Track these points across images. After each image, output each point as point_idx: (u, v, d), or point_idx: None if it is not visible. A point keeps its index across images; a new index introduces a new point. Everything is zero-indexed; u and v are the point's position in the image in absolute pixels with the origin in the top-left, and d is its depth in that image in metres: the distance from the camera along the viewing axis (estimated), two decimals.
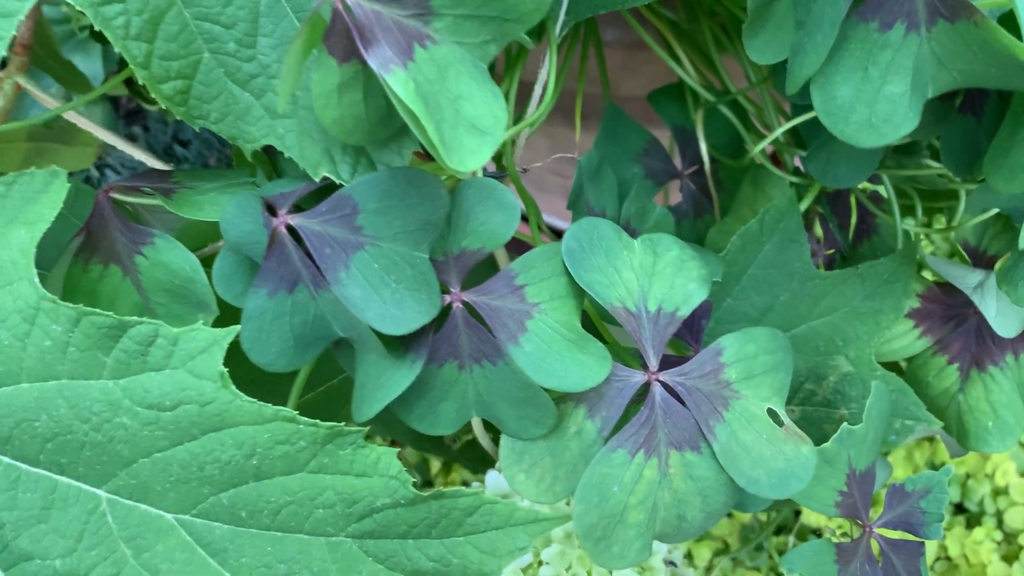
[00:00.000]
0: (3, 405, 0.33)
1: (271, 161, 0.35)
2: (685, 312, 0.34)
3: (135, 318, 0.32)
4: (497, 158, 0.42)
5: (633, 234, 0.43)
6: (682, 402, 0.33)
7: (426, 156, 0.36)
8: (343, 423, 0.32)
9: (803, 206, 0.46)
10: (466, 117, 0.27)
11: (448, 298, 0.32)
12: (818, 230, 0.49)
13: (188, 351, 0.32)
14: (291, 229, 0.30)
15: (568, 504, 0.47)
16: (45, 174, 0.34)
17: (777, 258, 0.45)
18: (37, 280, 0.33)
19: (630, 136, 0.49)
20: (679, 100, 0.50)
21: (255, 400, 0.32)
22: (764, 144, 0.44)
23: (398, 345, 0.31)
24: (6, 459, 0.34)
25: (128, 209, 0.38)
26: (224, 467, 0.33)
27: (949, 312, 0.47)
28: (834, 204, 0.50)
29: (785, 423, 0.34)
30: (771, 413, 0.34)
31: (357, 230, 0.30)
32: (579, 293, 0.33)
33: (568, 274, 0.33)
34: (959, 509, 1.05)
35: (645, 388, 0.33)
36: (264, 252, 0.32)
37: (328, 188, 0.32)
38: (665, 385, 0.33)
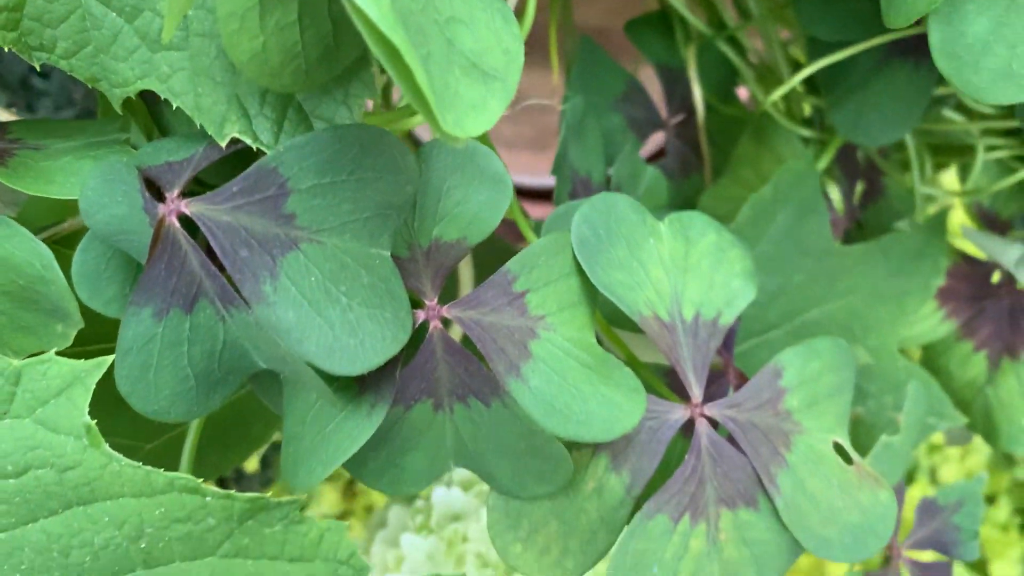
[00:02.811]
0: None
1: (151, 112, 0.25)
2: (729, 319, 0.26)
3: None
4: None
5: None
6: (735, 444, 0.24)
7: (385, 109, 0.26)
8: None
9: (820, 167, 0.38)
10: (463, 52, 0.17)
11: (422, 315, 0.22)
12: (832, 194, 0.41)
13: (36, 393, 0.22)
14: (186, 220, 0.20)
15: None
16: None
17: (792, 231, 0.37)
18: None
19: (607, 77, 0.40)
20: (664, 33, 0.41)
21: (138, 464, 0.22)
22: (782, 91, 0.36)
23: (350, 381, 0.22)
24: None
25: None
26: (98, 553, 0.23)
27: (978, 291, 0.40)
28: (842, 163, 0.42)
29: (854, 460, 0.26)
30: (837, 448, 0.26)
31: (287, 220, 0.21)
32: (592, 297, 0.24)
33: (580, 273, 0.24)
34: None
35: (686, 427, 0.24)
36: (145, 250, 0.22)
37: (241, 155, 0.22)
38: (712, 422, 0.24)
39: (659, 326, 0.24)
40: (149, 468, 0.22)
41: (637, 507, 0.24)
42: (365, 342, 0.21)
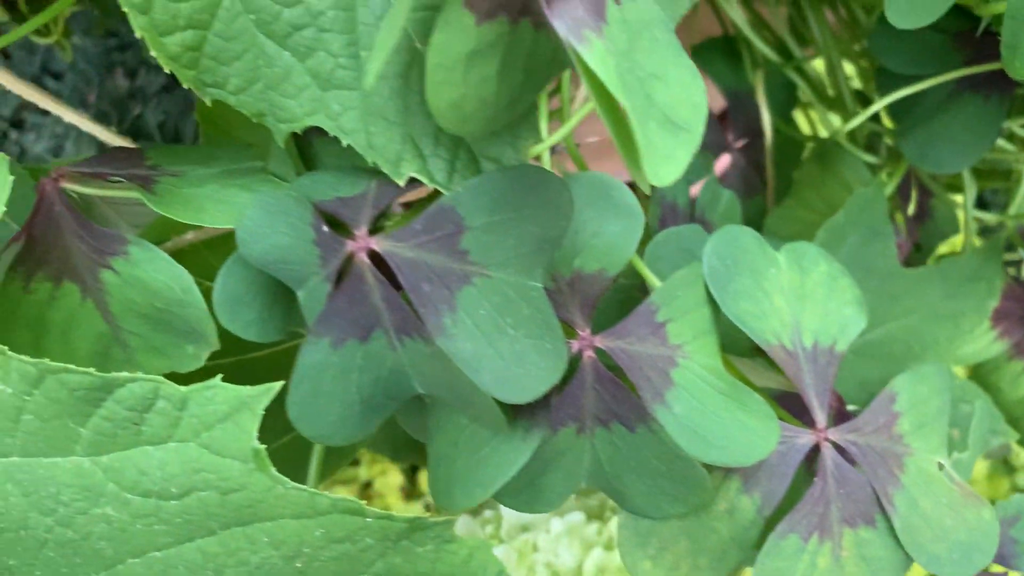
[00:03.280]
0: None
1: (299, 145, 0.26)
2: (843, 346, 0.27)
3: (125, 374, 0.22)
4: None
5: (707, 227, 0.35)
6: (856, 466, 0.26)
7: None
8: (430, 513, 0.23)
9: (887, 192, 0.39)
10: (658, 105, 0.18)
11: (576, 345, 0.23)
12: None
13: (202, 418, 0.23)
14: (373, 255, 0.21)
15: None
16: None
17: (860, 253, 0.38)
18: None
19: None
20: (730, 57, 0.42)
21: (303, 487, 0.23)
22: (859, 121, 0.37)
23: (504, 407, 0.23)
24: None
25: (76, 200, 0.27)
26: (253, 572, 0.24)
27: None
28: (900, 186, 0.44)
29: (956, 479, 0.28)
30: (940, 468, 0.28)
31: (461, 256, 0.22)
32: (718, 326, 0.26)
33: (710, 303, 0.25)
34: None
35: (812, 451, 0.25)
36: (304, 278, 0.23)
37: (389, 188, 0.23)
38: (836, 446, 0.25)
39: (784, 354, 0.26)
40: (314, 491, 0.23)
41: (767, 527, 0.25)
42: (531, 371, 0.22)
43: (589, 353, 0.23)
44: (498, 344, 0.21)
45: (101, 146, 0.37)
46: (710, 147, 0.41)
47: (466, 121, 0.20)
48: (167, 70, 0.21)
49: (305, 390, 0.22)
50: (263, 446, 0.22)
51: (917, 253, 0.43)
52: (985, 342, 0.42)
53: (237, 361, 0.34)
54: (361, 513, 0.23)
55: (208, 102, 0.23)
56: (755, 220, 0.43)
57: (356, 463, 0.87)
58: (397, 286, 0.21)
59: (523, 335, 0.22)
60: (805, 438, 0.25)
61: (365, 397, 0.23)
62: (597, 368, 0.23)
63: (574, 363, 0.23)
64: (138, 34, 0.21)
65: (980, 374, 0.43)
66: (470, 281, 0.21)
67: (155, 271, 0.26)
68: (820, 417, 0.25)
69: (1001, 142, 0.43)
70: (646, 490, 0.25)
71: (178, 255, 0.28)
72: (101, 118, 0.99)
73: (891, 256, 0.39)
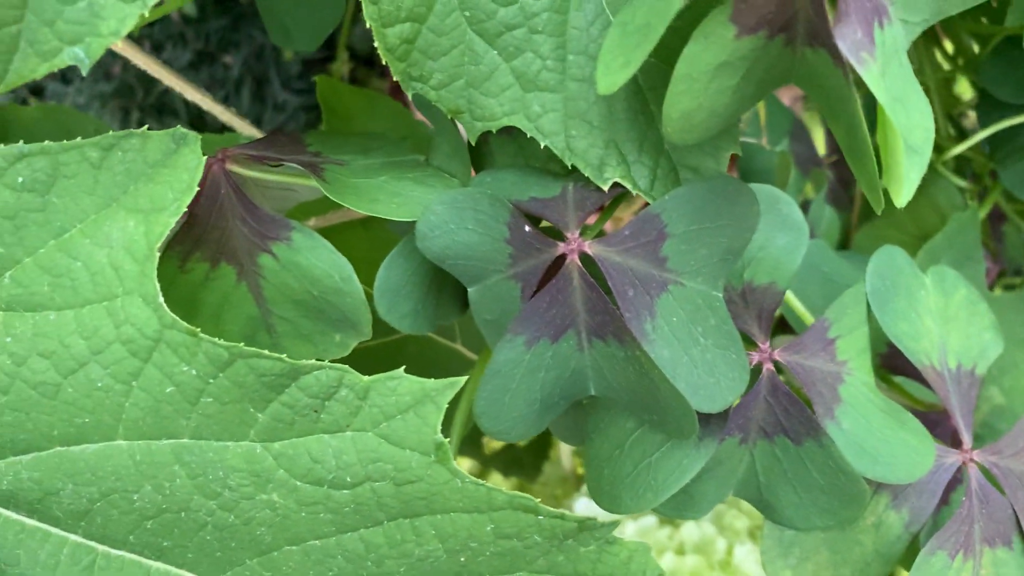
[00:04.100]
0: (85, 468, 0.23)
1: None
2: (982, 369, 0.28)
3: (313, 362, 0.22)
4: None
5: None
6: (998, 487, 0.26)
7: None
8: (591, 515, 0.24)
9: (980, 216, 0.40)
10: (898, 130, 0.19)
11: (756, 356, 0.24)
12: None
13: (384, 408, 0.23)
14: (583, 258, 0.21)
15: None
16: (165, 137, 0.23)
17: None
18: (160, 298, 0.22)
19: (777, 115, 0.41)
20: None
21: (481, 482, 0.23)
22: (959, 150, 0.38)
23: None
24: (75, 537, 0.24)
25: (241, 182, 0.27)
26: (416, 563, 0.24)
27: None
28: (990, 214, 0.44)
29: None
30: None
31: (661, 263, 0.22)
32: (870, 343, 0.26)
33: (869, 321, 0.26)
34: None
35: (958, 471, 0.26)
36: (485, 274, 0.23)
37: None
38: (980, 466, 0.26)
39: (934, 374, 0.26)
40: (491, 486, 0.23)
41: (912, 542, 0.26)
42: (721, 381, 0.22)
43: (769, 366, 0.24)
44: (691, 352, 0.22)
45: None
46: (802, 160, 0.42)
47: (691, 131, 0.20)
48: (383, 62, 0.21)
49: (495, 385, 0.22)
50: (446, 439, 0.23)
51: (1000, 279, 0.44)
52: None
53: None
54: (535, 511, 0.23)
55: (409, 95, 0.23)
56: (842, 236, 0.43)
57: None
58: (599, 290, 0.21)
59: (712, 344, 0.22)
60: (952, 457, 0.26)
61: (545, 396, 0.23)
62: (774, 381, 0.24)
63: (753, 374, 0.24)
64: (368, 23, 0.21)
65: None
66: (667, 288, 0.22)
67: (316, 258, 0.26)
68: (967, 438, 0.26)
69: None
70: (799, 502, 0.25)
71: None
72: (126, 92, 0.98)
73: (981, 280, 0.39)
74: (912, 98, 0.19)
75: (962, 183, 0.42)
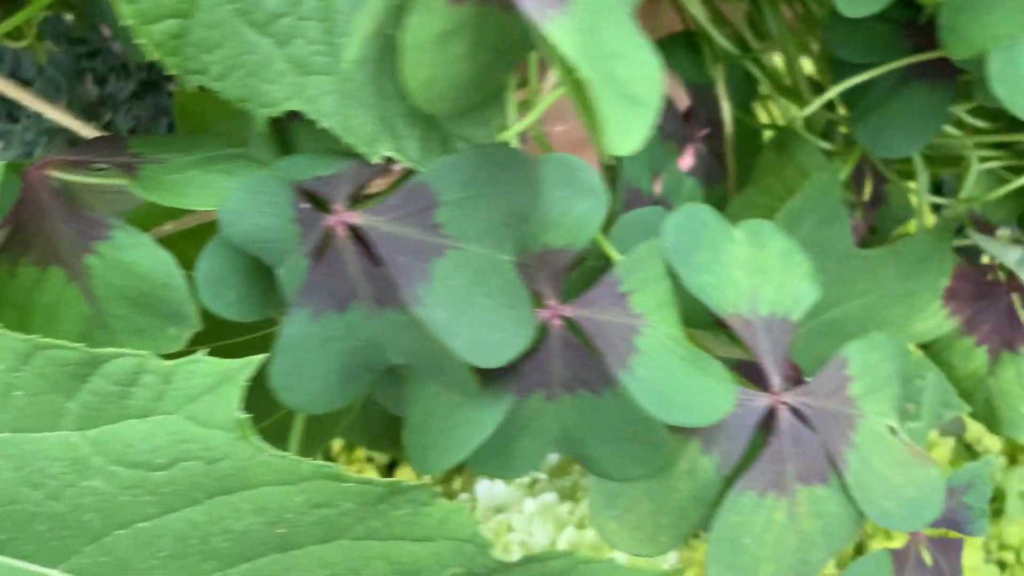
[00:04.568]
0: None
1: (278, 132, 0.27)
2: (797, 316, 0.29)
3: (112, 350, 0.23)
4: None
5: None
6: (809, 427, 0.27)
7: None
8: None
9: (842, 177, 0.41)
10: (620, 81, 0.20)
11: (544, 314, 0.25)
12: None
13: (187, 391, 0.24)
14: (351, 230, 0.22)
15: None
16: None
17: (817, 236, 0.40)
18: None
19: None
20: (691, 52, 0.44)
21: (285, 454, 0.24)
22: (813, 108, 0.39)
23: (474, 372, 0.24)
24: None
25: (61, 188, 0.28)
26: (238, 538, 0.25)
27: (979, 290, 0.44)
28: (854, 172, 0.45)
29: (906, 441, 0.29)
30: (891, 431, 0.29)
31: (435, 229, 0.23)
32: (678, 298, 0.27)
33: (671, 276, 0.27)
34: None
35: (767, 413, 0.27)
36: (284, 255, 0.24)
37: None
38: (791, 408, 0.27)
39: (741, 323, 0.27)
40: (296, 457, 0.24)
41: (725, 485, 0.26)
42: (502, 337, 0.23)
43: (556, 321, 0.25)
44: (471, 312, 0.23)
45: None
46: (674, 139, 0.43)
47: (439, 100, 0.21)
48: (151, 58, 0.22)
49: (287, 360, 0.23)
50: (246, 415, 0.24)
51: (873, 236, 0.45)
52: (937, 320, 0.44)
53: (223, 346, 0.35)
54: (341, 478, 0.24)
55: (191, 86, 0.24)
56: (718, 207, 0.44)
57: (332, 462, 0.87)
58: (375, 259, 0.22)
59: (495, 304, 0.23)
60: (761, 400, 0.27)
61: (343, 366, 0.24)
62: (564, 336, 0.25)
63: (543, 331, 0.25)
64: (125, 22, 0.22)
65: (933, 351, 0.45)
66: (443, 253, 0.23)
67: (139, 255, 0.27)
68: (775, 381, 0.27)
69: (950, 128, 0.45)
70: (611, 453, 0.26)
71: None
72: (78, 101, 0.99)
73: (847, 239, 0.40)
74: (633, 51, 0.20)
75: (828, 146, 0.43)
